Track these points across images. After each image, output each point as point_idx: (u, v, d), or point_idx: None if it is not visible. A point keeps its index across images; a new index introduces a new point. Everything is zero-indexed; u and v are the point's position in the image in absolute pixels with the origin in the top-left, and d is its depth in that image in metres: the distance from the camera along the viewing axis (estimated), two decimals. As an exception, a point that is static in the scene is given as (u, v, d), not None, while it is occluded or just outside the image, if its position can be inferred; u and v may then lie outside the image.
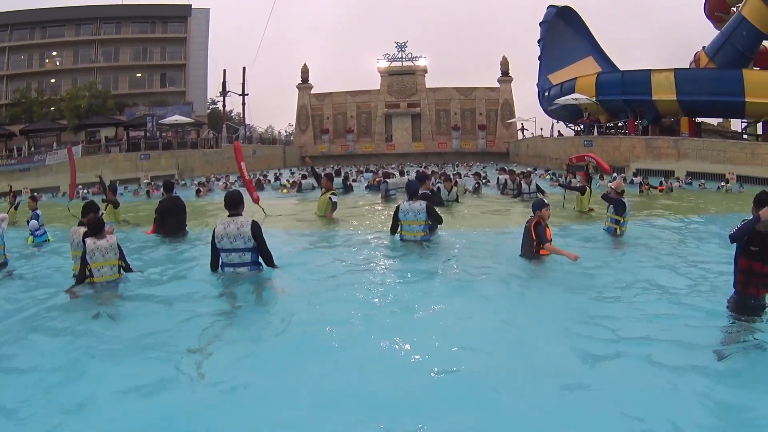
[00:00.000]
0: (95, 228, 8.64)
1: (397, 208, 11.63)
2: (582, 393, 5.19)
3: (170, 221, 13.88)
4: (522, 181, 22.93)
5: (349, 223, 15.88)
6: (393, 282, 9.17)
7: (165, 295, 8.53)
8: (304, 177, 33.48)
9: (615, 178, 18.84)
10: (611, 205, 13.03)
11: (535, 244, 10.08)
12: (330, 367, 5.66)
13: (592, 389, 5.24)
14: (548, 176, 36.55)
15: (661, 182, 29.40)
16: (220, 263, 8.84)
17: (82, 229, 9.10)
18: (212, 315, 7.43)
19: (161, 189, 17.25)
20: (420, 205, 11.25)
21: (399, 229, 11.65)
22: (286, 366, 5.77)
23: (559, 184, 19.08)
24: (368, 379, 5.43)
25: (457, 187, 23.61)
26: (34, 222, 15.02)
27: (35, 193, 24.02)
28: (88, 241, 8.51)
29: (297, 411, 4.88)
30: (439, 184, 19.95)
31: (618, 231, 12.81)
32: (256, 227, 8.66)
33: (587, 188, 18.23)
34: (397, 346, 6.25)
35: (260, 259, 8.88)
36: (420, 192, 12.00)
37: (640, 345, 6.23)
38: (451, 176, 24.54)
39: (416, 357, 5.97)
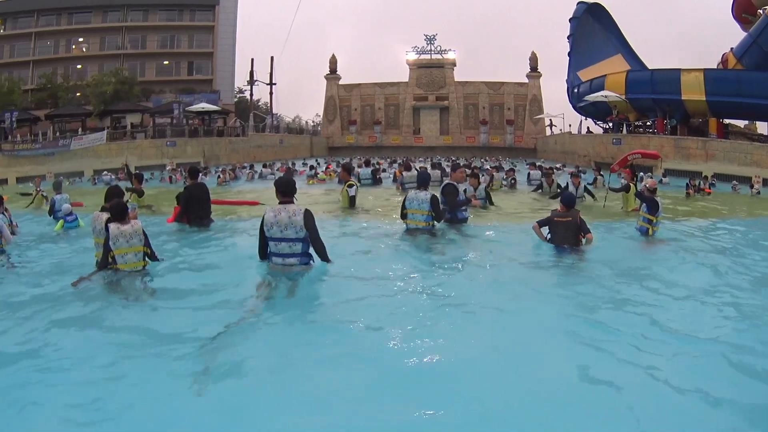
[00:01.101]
0: (119, 213, 8.35)
1: (406, 195, 11.98)
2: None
3: (195, 208, 13.39)
4: (570, 182, 20.24)
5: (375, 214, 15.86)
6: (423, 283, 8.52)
7: (192, 286, 8.05)
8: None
9: (650, 177, 18.77)
10: (644, 204, 12.71)
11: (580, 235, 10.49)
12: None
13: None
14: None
15: (710, 184, 28.43)
16: (268, 252, 8.31)
17: (105, 215, 8.75)
18: (239, 309, 6.98)
19: (184, 175, 16.77)
20: (425, 195, 11.47)
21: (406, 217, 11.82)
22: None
23: (636, 195, 17.77)
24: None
25: (494, 181, 23.43)
26: (67, 206, 14.88)
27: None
28: (112, 226, 8.21)
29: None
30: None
31: (650, 231, 12.40)
32: (309, 216, 8.09)
33: (631, 186, 17.96)
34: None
35: (311, 251, 8.29)
36: (446, 183, 12.46)
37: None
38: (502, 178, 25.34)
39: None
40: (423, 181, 11.76)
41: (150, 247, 8.55)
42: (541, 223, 10.83)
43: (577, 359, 5.48)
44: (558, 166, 38.44)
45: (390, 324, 6.36)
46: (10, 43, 68.07)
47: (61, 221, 14.49)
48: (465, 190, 13.29)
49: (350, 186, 16.51)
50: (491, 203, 17.32)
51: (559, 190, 20.23)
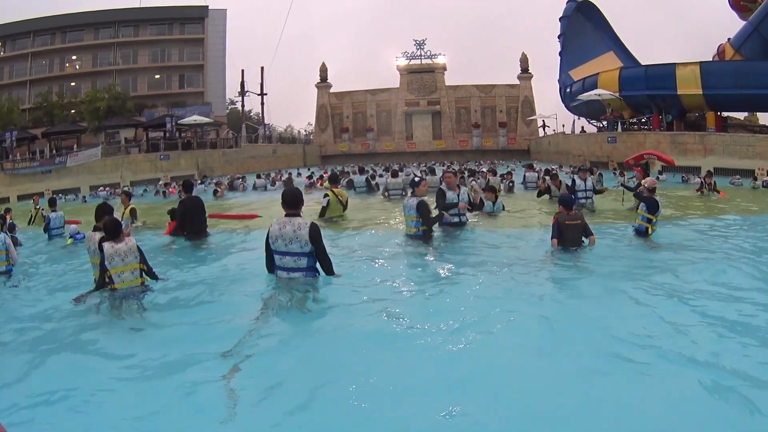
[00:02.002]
0: (112, 231, 8.10)
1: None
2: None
3: (191, 222, 13.34)
4: (577, 177, 18.51)
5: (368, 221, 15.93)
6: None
7: (192, 302, 8.01)
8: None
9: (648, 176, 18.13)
10: (642, 203, 12.44)
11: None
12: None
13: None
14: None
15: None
16: (275, 265, 8.13)
17: (98, 235, 8.59)
18: (246, 326, 6.73)
19: (178, 189, 16.79)
20: (413, 201, 11.60)
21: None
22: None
23: (621, 185, 17.40)
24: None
25: (492, 184, 23.17)
26: (74, 227, 15.17)
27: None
28: (106, 245, 8.00)
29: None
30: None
31: (650, 230, 12.19)
32: (315, 231, 7.84)
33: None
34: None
35: (318, 265, 8.09)
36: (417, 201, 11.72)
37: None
38: (499, 180, 24.24)
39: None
40: (414, 187, 11.85)
41: (147, 263, 8.35)
42: (555, 235, 10.66)
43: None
44: (554, 167, 38.45)
45: (400, 335, 6.31)
46: (9, 64, 69.20)
47: (71, 239, 14.71)
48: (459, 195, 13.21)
49: (325, 196, 16.45)
50: (503, 208, 16.70)
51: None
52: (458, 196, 12.55)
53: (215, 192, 31.27)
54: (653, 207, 12.08)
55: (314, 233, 7.78)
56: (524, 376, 5.10)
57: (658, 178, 30.61)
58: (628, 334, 6.01)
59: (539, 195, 20.47)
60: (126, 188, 25.77)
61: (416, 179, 12.16)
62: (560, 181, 20.16)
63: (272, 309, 7.26)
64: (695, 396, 4.68)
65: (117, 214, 16.14)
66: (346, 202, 16.50)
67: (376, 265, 9.91)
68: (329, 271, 8.14)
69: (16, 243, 14.16)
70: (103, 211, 9.17)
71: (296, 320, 6.92)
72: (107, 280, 7.96)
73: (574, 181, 18.29)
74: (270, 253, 8.04)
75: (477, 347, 5.79)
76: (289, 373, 5.29)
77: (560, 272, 9.31)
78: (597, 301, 7.61)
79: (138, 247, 8.21)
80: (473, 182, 25.62)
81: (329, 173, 21.52)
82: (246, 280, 8.79)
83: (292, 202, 8.00)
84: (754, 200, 21.41)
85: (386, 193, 22.71)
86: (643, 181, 14.00)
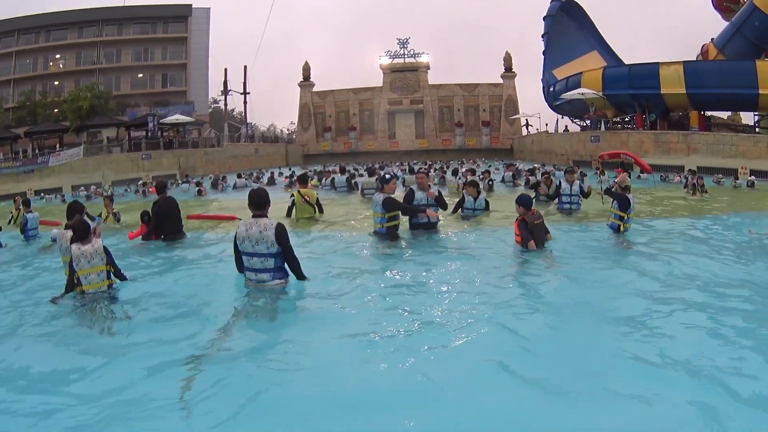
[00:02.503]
0: (80, 233, 8.12)
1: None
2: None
3: (167, 223, 13.19)
4: (562, 179, 17.11)
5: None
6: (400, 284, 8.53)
7: (160, 308, 7.76)
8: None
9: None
10: (614, 201, 12.65)
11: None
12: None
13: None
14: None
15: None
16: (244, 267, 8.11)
17: (70, 233, 8.54)
18: (211, 335, 6.52)
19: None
20: (380, 197, 11.74)
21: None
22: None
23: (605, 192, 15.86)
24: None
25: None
26: (55, 230, 14.79)
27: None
28: (73, 247, 8.01)
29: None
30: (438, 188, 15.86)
31: (621, 228, 12.36)
32: (281, 231, 7.78)
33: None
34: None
35: (286, 266, 8.05)
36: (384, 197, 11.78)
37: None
38: (478, 179, 22.96)
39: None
40: (381, 184, 11.99)
41: (114, 265, 8.24)
42: (530, 237, 10.35)
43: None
44: (537, 165, 38.60)
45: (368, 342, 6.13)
46: (-7, 63, 68.70)
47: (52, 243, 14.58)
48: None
49: (291, 196, 16.62)
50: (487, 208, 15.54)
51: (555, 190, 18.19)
52: (427, 198, 12.41)
53: (199, 192, 31.57)
54: (624, 204, 12.24)
55: (280, 234, 7.74)
56: (485, 392, 4.92)
57: (639, 176, 30.80)
58: (599, 348, 5.86)
59: (532, 187, 20.53)
60: (108, 192, 25.67)
61: (386, 177, 12.21)
62: (552, 181, 18.80)
63: (240, 318, 7.15)
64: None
65: (101, 218, 16.32)
66: (316, 202, 16.20)
67: (343, 268, 9.65)
68: (297, 272, 8.09)
69: None
70: (74, 210, 9.21)
71: (263, 330, 6.75)
72: (75, 281, 7.94)
73: (559, 183, 17.05)
74: (238, 254, 8.02)
75: (441, 358, 5.61)
76: (248, 386, 5.12)
77: (527, 276, 9.11)
78: (565, 310, 7.31)
79: (105, 248, 8.15)
80: (460, 180, 25.83)
81: (299, 176, 21.75)
82: (217, 284, 8.73)
83: (259, 203, 7.96)
84: (738, 198, 21.87)
85: (364, 193, 22.46)
86: (616, 178, 14.14)
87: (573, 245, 11.48)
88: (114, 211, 17.37)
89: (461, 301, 7.54)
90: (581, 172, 25.71)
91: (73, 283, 8.01)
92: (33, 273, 11.10)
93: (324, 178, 30.71)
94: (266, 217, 7.97)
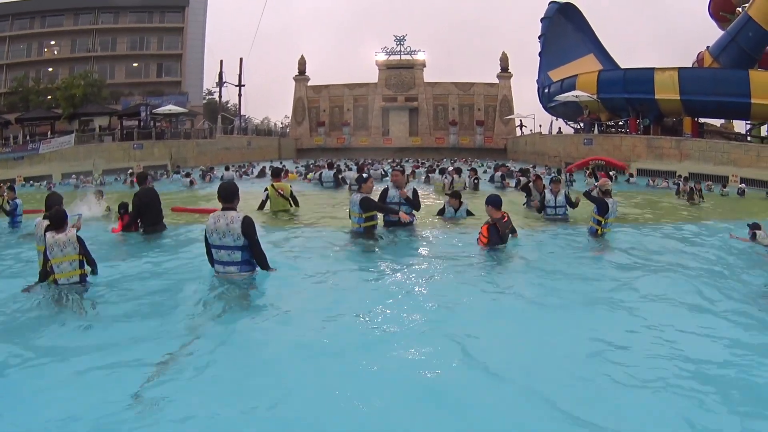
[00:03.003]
0: (55, 221, 8.11)
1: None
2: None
3: (148, 214, 13.02)
4: (547, 190, 16.10)
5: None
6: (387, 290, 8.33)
7: (131, 301, 7.67)
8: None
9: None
10: (594, 205, 12.53)
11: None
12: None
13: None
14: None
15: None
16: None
17: (46, 223, 8.42)
18: (179, 331, 6.38)
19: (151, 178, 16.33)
20: (356, 197, 11.82)
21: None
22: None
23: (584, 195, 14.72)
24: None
25: (454, 183, 22.84)
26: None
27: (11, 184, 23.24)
28: (48, 235, 7.99)
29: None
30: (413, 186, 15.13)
31: (599, 231, 12.32)
32: (247, 224, 7.84)
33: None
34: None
35: (254, 259, 8.11)
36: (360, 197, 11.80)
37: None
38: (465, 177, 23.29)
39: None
40: (359, 183, 11.99)
41: (87, 255, 8.17)
42: (493, 240, 10.36)
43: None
44: (529, 166, 38.68)
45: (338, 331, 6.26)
46: (-16, 47, 68.12)
47: None
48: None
49: (265, 190, 16.84)
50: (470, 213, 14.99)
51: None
52: (399, 197, 12.33)
53: (191, 182, 31.82)
54: (603, 209, 12.16)
55: (246, 226, 7.80)
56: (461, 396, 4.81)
57: (628, 180, 30.90)
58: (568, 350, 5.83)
59: (522, 188, 19.35)
60: (100, 187, 25.65)
61: (364, 176, 12.20)
62: (544, 185, 17.25)
63: (207, 314, 6.98)
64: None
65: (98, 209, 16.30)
66: (290, 195, 16.57)
67: (315, 263, 9.78)
68: (263, 264, 8.13)
69: None
70: (53, 200, 9.10)
71: (231, 328, 6.51)
72: (48, 269, 7.96)
73: (544, 194, 15.93)
74: (209, 247, 8.09)
75: (413, 359, 5.55)
76: (212, 384, 5.05)
77: (494, 275, 9.12)
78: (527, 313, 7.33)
79: (79, 237, 8.10)
80: (440, 178, 25.78)
81: (273, 168, 21.69)
82: (190, 278, 8.61)
83: (227, 196, 8.04)
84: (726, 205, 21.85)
85: (351, 188, 22.56)
86: (596, 182, 14.05)
87: (548, 249, 11.45)
88: (107, 206, 17.29)
89: (427, 302, 7.51)
90: (569, 177, 25.68)
91: (46, 273, 8.03)
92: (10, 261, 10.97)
93: (313, 173, 30.82)
94: (234, 210, 8.00)
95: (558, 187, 15.61)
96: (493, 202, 10.54)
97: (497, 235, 10.30)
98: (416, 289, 8.29)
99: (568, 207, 15.47)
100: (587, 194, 13.32)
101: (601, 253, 11.34)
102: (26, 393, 4.93)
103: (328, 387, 4.94)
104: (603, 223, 12.30)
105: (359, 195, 11.73)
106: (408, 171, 27.87)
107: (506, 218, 10.59)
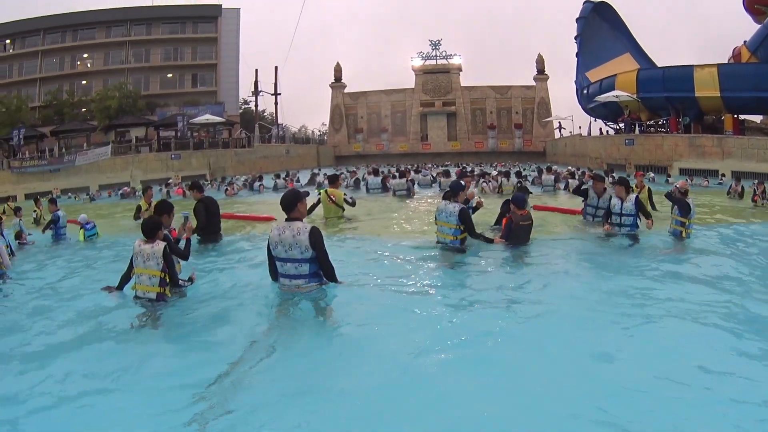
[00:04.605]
0: (146, 230, 7.75)
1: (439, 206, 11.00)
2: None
3: (214, 221, 12.70)
4: (612, 194, 12.69)
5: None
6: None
7: (191, 315, 7.33)
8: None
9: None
10: (675, 206, 12.05)
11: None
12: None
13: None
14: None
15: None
16: (278, 273, 7.64)
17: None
18: (241, 348, 6.03)
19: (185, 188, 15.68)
20: (454, 207, 10.50)
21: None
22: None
23: (665, 196, 12.53)
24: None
25: (503, 186, 22.56)
26: (83, 216, 15.07)
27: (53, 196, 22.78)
28: (137, 242, 7.78)
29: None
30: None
31: (683, 233, 11.78)
32: (315, 235, 7.33)
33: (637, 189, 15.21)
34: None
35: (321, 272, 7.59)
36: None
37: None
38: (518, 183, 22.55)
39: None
40: (453, 191, 10.86)
41: (172, 275, 7.76)
42: (505, 235, 10.79)
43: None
44: (573, 169, 37.97)
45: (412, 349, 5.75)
46: (18, 61, 69.13)
47: (82, 231, 14.58)
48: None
49: (318, 194, 16.89)
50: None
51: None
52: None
53: (226, 190, 32.10)
54: (685, 209, 11.76)
55: (315, 238, 7.34)
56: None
57: (666, 180, 30.43)
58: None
59: (576, 192, 14.85)
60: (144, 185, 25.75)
61: (461, 183, 11.21)
62: (605, 188, 13.53)
63: (273, 330, 6.67)
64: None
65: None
66: (344, 200, 15.98)
67: (389, 273, 9.17)
68: (331, 277, 7.67)
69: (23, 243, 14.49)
70: (162, 208, 8.94)
71: (298, 343, 6.22)
72: (131, 276, 7.86)
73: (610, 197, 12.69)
74: (272, 260, 7.67)
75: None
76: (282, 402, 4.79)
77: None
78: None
79: (166, 253, 7.63)
80: (483, 184, 24.76)
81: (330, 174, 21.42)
82: (251, 291, 8.17)
83: (287, 206, 7.57)
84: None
85: (395, 193, 23.45)
86: (676, 183, 13.71)
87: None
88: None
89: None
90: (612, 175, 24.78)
91: (128, 277, 7.96)
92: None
93: (348, 179, 30.83)
94: (300, 220, 7.59)
95: (623, 192, 12.24)
96: (516, 200, 10.89)
97: (509, 228, 10.69)
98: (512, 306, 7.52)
99: (640, 217, 12.30)
100: (668, 195, 12.70)
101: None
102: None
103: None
104: (687, 224, 11.84)
105: (457, 205, 10.47)
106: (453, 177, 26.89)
107: (526, 216, 10.90)
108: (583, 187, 14.89)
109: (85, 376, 5.38)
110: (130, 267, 7.78)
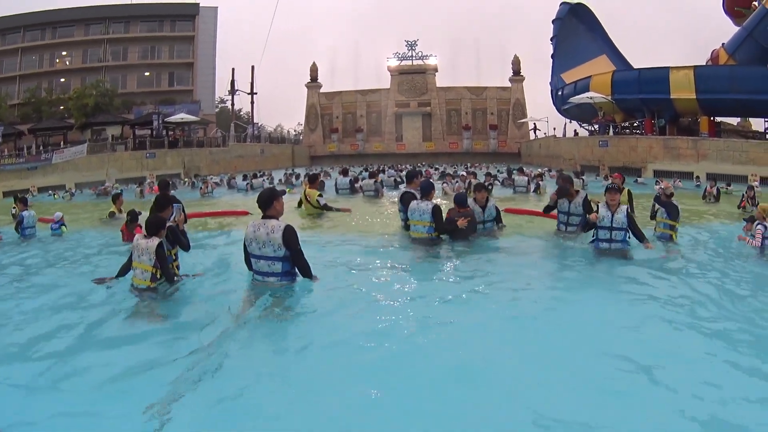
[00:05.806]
0: (147, 227, 8.03)
1: (408, 205, 11.36)
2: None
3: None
4: (600, 205, 10.86)
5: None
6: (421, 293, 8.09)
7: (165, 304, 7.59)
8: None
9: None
10: (662, 209, 11.67)
11: None
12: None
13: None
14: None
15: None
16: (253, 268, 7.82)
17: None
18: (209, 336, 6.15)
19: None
20: (426, 205, 10.93)
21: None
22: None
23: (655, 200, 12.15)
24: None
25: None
26: (58, 213, 15.49)
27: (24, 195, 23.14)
28: (137, 234, 8.16)
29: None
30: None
31: (674, 237, 11.49)
32: (289, 234, 7.41)
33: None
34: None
35: (296, 269, 7.70)
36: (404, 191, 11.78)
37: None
38: (488, 184, 22.25)
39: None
40: (424, 191, 11.28)
41: (164, 270, 7.88)
42: (450, 221, 10.99)
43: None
44: (544, 170, 38.48)
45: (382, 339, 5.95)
46: (-2, 59, 68.66)
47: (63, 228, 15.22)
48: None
49: (320, 196, 17.16)
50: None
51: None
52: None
53: (200, 189, 32.20)
54: (674, 212, 11.46)
55: (288, 236, 7.39)
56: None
57: (636, 181, 30.67)
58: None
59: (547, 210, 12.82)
60: (118, 190, 26.04)
61: (431, 182, 11.71)
62: (576, 191, 12.03)
63: (241, 320, 6.71)
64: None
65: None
66: (316, 201, 16.62)
67: (362, 271, 9.35)
68: (306, 273, 7.73)
69: None
70: (160, 203, 9.05)
71: (268, 334, 6.45)
72: (130, 268, 8.08)
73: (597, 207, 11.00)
74: (248, 255, 7.73)
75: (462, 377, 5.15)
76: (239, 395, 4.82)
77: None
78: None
79: (159, 251, 7.80)
80: (444, 185, 25.25)
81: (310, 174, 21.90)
82: (222, 283, 8.51)
83: (263, 204, 7.64)
84: None
85: (364, 194, 23.33)
86: (659, 185, 13.77)
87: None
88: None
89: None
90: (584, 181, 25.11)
91: (127, 268, 8.22)
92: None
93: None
94: (275, 218, 7.62)
95: (616, 197, 10.55)
96: (457, 200, 11.47)
97: (451, 221, 10.95)
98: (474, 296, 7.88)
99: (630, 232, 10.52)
100: (657, 199, 12.23)
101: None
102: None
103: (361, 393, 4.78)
104: (676, 227, 11.66)
105: (429, 203, 10.95)
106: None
107: (467, 213, 11.09)
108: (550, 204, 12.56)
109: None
110: (130, 260, 7.98)
